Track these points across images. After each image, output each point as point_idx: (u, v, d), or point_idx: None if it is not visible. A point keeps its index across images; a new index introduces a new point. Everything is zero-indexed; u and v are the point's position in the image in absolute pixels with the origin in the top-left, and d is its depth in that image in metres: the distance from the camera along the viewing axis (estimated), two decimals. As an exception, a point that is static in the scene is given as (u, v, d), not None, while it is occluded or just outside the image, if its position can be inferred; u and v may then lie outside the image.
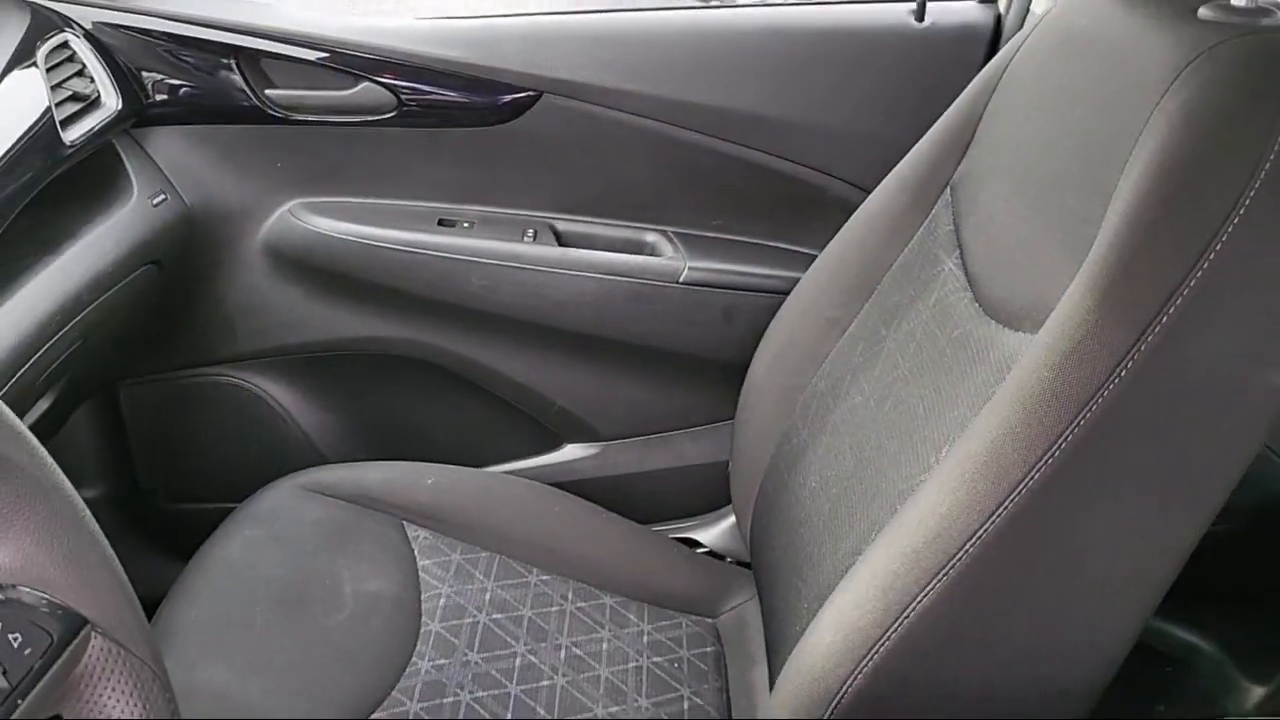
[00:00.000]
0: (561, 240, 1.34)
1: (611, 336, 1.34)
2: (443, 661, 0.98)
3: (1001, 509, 0.66)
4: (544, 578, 1.11)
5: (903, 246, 1.00)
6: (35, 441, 0.42)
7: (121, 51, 1.21)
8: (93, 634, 0.42)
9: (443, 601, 1.05)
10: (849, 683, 0.71)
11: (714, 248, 1.33)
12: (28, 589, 0.41)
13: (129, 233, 1.14)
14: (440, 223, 1.34)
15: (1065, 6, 0.90)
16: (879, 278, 1.01)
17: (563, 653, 1.03)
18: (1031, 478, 0.65)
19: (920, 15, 1.24)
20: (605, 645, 1.05)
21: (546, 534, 1.16)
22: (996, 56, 0.98)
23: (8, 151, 0.94)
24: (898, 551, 0.70)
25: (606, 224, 1.36)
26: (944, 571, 0.67)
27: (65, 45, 1.12)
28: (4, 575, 0.40)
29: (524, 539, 1.14)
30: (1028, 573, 0.69)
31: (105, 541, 0.44)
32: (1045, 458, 0.65)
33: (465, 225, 1.34)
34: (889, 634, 0.69)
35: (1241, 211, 0.62)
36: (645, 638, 1.08)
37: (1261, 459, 1.24)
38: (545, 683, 0.99)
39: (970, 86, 0.99)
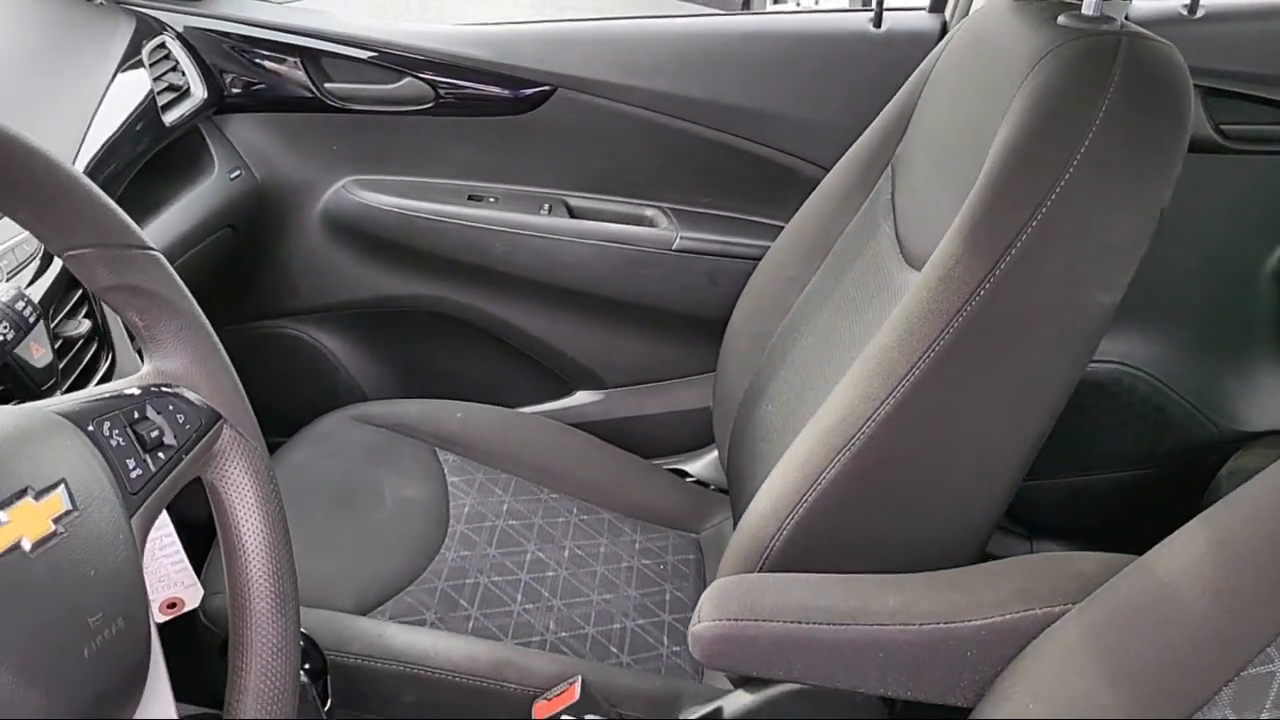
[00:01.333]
0: (572, 213, 1.52)
1: (614, 297, 1.51)
2: (466, 553, 1.18)
3: (890, 397, 0.85)
4: (553, 496, 1.31)
5: (852, 215, 1.18)
6: (185, 289, 0.63)
7: (206, 51, 1.43)
8: (224, 425, 0.63)
9: (467, 509, 1.25)
10: (775, 538, 0.90)
11: (702, 221, 1.51)
12: (186, 390, 0.62)
13: (210, 201, 1.36)
14: (469, 198, 1.52)
15: (977, 15, 1.09)
16: (833, 242, 1.19)
17: (566, 553, 1.23)
18: (913, 373, 0.84)
19: (878, 22, 1.40)
20: (602, 549, 1.25)
21: (557, 461, 1.35)
22: (929, 56, 1.16)
23: (123, 128, 1.15)
24: (814, 434, 0.90)
25: (611, 200, 1.53)
26: (847, 447, 0.87)
27: (163, 45, 1.34)
28: (173, 379, 0.61)
29: (537, 464, 1.33)
30: (911, 448, 0.87)
31: (232, 367, 0.65)
32: (923, 357, 0.84)
33: (491, 200, 1.52)
34: (805, 498, 0.88)
35: (1070, 171, 0.81)
36: (636, 545, 1.27)
37: (1179, 409, 1.43)
38: (550, 574, 1.18)
39: (909, 82, 1.17)
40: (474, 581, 1.14)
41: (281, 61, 1.45)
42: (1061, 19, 0.92)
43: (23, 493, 0.48)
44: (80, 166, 1.04)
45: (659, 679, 1.07)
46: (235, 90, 1.46)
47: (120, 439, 0.56)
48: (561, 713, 0.93)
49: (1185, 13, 1.32)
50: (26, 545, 0.46)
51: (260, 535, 0.63)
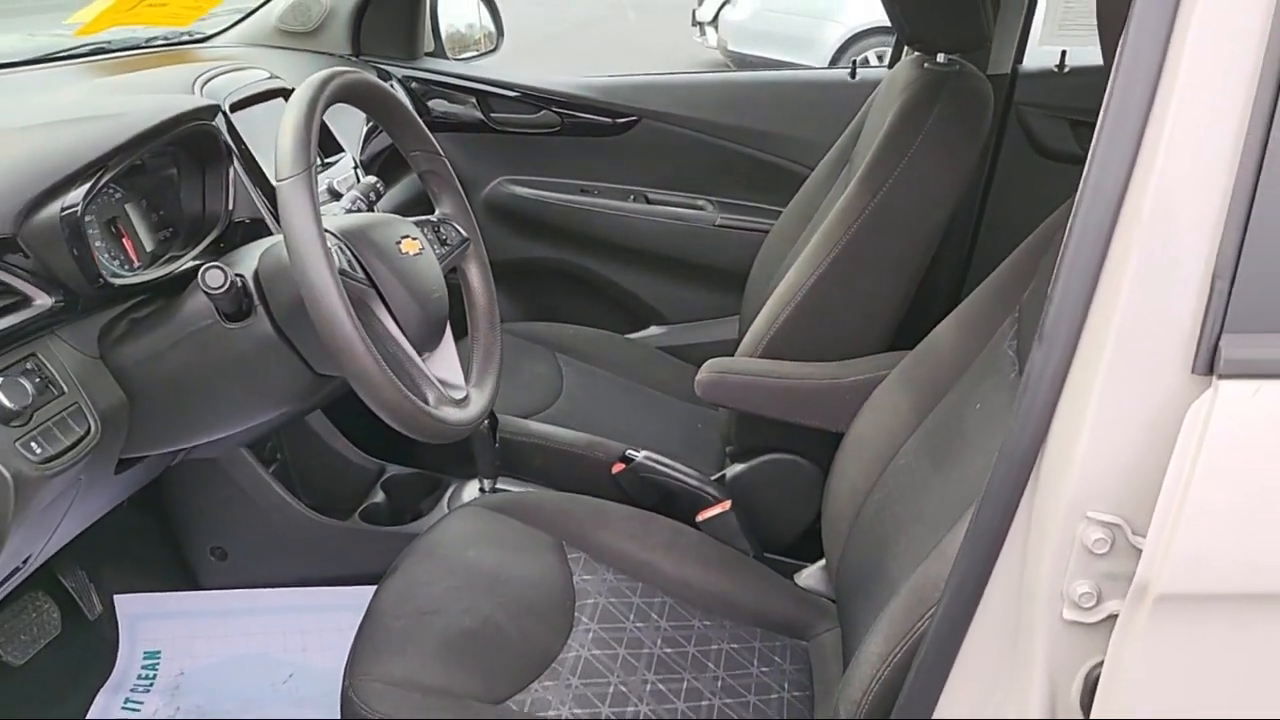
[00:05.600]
0: (649, 201, 2.20)
1: (676, 258, 2.17)
2: (572, 407, 1.86)
3: (815, 271, 1.51)
4: (631, 383, 1.97)
5: (825, 194, 1.84)
6: (454, 175, 1.33)
7: (416, 90, 2.18)
8: (471, 244, 1.33)
9: (574, 384, 1.93)
10: (765, 337, 1.55)
11: (734, 207, 2.17)
12: (455, 223, 1.32)
13: (413, 189, 2.08)
14: (581, 191, 2.22)
15: (898, 65, 1.77)
16: (813, 213, 1.84)
17: (636, 412, 1.89)
18: (829, 256, 1.50)
19: (853, 75, 2.07)
20: (659, 411, 1.90)
21: (634, 364, 2.01)
22: (874, 93, 1.83)
23: (370, 134, 1.89)
24: (775, 295, 1.56)
25: (674, 194, 2.21)
26: (791, 301, 1.53)
27: (391, 86, 2.09)
28: (449, 218, 1.30)
29: (621, 365, 1.99)
30: (828, 299, 1.51)
31: (474, 218, 1.34)
32: (835, 247, 1.49)
33: (595, 192, 2.21)
34: (770, 330, 1.55)
35: (912, 150, 1.47)
36: (685, 411, 1.93)
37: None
38: (625, 416, 1.85)
39: (861, 110, 1.84)
40: (580, 417, 1.81)
41: (463, 100, 2.19)
42: (925, 64, 1.59)
43: (405, 236, 1.18)
44: (360, 156, 1.79)
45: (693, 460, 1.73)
46: (434, 117, 2.19)
47: (430, 236, 1.26)
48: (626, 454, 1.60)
49: (1056, 69, 1.97)
50: (411, 252, 1.17)
51: (483, 293, 1.33)
